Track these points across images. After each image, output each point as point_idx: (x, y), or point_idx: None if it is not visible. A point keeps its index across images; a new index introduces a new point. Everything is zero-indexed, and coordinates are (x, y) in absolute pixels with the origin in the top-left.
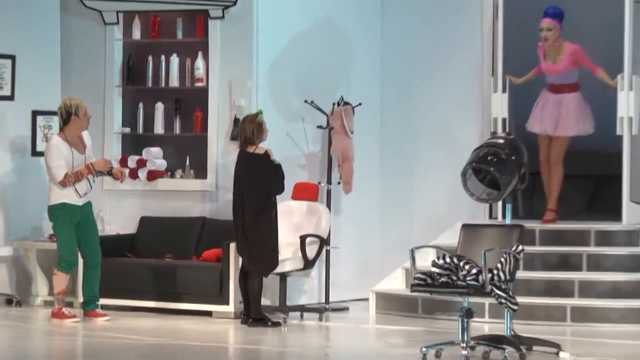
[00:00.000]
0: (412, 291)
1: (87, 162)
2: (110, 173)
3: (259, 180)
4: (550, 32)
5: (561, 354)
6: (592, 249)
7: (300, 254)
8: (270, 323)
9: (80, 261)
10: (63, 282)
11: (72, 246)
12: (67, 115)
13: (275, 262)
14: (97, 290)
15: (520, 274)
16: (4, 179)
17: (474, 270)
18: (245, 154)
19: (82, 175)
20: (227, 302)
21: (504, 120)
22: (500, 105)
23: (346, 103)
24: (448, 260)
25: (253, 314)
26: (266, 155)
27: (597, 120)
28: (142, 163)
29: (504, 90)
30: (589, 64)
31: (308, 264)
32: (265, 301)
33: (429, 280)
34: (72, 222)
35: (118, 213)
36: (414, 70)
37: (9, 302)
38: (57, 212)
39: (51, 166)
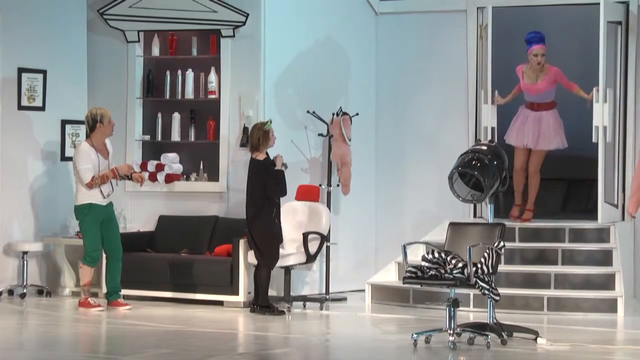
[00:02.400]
0: (404, 283)
1: (111, 167)
2: (131, 177)
3: (256, 183)
4: (544, 56)
5: (539, 340)
6: (567, 245)
7: (303, 249)
8: (276, 311)
9: (104, 255)
10: (88, 274)
11: (97, 242)
12: (93, 123)
13: (275, 257)
14: (119, 281)
15: (502, 268)
16: (36, 182)
17: (460, 264)
18: (251, 160)
19: (107, 178)
20: (237, 293)
21: (492, 129)
22: (489, 115)
23: (344, 113)
24: (436, 255)
25: (260, 302)
26: (265, 161)
27: (570, 129)
28: (160, 167)
29: (492, 102)
30: (566, 83)
31: (310, 258)
32: (271, 292)
33: (419, 273)
34: (97, 220)
35: (139, 212)
36: (405, 83)
37: (40, 292)
38: (85, 211)
39: (79, 169)
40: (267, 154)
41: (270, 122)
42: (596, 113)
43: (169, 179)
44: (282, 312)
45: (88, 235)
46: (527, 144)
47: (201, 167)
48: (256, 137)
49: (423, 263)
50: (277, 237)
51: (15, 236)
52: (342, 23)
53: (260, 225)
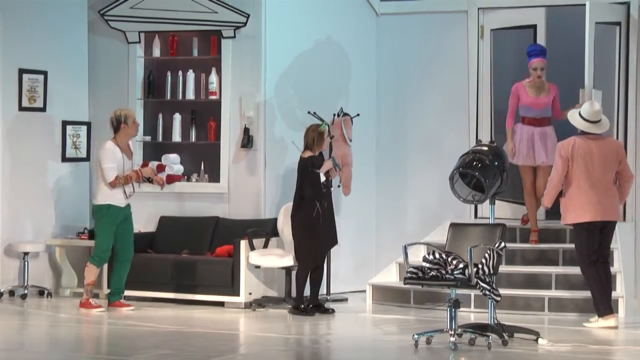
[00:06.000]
0: (405, 284)
1: (134, 168)
2: (152, 180)
3: (298, 182)
4: (543, 70)
5: (540, 340)
6: (567, 246)
7: None
8: (307, 311)
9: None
10: (93, 274)
11: (109, 244)
12: (117, 124)
13: (307, 257)
14: (124, 283)
15: (503, 268)
16: (36, 183)
17: (461, 265)
18: (299, 158)
19: (130, 179)
20: (238, 294)
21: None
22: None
23: (345, 114)
24: (437, 255)
25: (294, 302)
26: (307, 160)
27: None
28: (161, 168)
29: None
30: (558, 104)
31: None
32: (272, 293)
33: (420, 274)
34: (114, 222)
35: (140, 213)
36: (406, 84)
37: (41, 293)
38: (103, 212)
39: (104, 167)
40: (321, 154)
41: (326, 123)
42: None
43: (170, 179)
44: (312, 314)
45: (101, 236)
46: (544, 161)
47: (202, 167)
48: (311, 137)
49: (424, 264)
50: (312, 238)
51: (16, 237)
52: (342, 24)
53: (296, 223)
